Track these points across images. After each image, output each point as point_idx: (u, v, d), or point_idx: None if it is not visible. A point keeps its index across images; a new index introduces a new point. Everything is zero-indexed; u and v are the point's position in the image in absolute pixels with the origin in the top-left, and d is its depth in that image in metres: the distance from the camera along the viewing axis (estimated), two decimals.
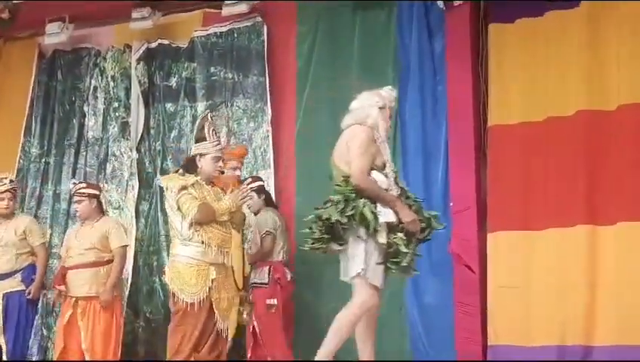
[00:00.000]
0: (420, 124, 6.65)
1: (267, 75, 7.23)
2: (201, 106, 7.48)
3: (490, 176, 6.34)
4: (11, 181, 6.64)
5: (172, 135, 7.58)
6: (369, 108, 4.78)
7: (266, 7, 7.35)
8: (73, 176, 7.71)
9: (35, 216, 7.50)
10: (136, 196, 7.47)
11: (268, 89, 7.20)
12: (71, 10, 7.62)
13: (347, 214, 4.41)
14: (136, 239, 7.26)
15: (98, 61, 7.95)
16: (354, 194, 4.46)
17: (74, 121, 7.90)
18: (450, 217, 6.36)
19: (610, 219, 5.80)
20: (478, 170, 6.37)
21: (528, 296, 6.05)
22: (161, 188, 7.35)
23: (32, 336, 7.09)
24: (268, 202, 6.49)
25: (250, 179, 6.44)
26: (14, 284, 6.31)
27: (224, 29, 7.51)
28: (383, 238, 4.43)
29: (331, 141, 6.77)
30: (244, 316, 5.88)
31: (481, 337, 6.15)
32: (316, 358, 4.40)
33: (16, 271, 6.36)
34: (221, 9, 7.29)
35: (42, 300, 7.21)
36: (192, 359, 5.06)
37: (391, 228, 4.47)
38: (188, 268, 5.02)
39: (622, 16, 5.95)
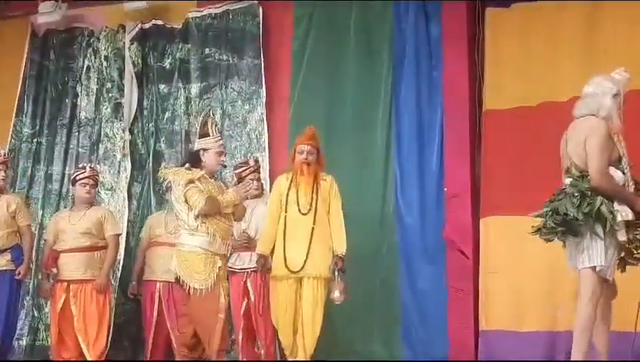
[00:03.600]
0: (415, 108, 6.66)
1: (262, 57, 7.19)
2: (195, 88, 7.45)
3: (484, 161, 6.36)
4: (5, 154, 6.63)
5: (165, 116, 7.53)
6: (602, 97, 4.61)
7: None
8: (65, 156, 7.68)
9: (27, 197, 7.47)
10: (128, 177, 7.42)
11: (263, 71, 7.16)
12: None
13: (583, 211, 4.37)
14: (128, 221, 7.23)
15: (91, 41, 7.87)
16: (590, 192, 4.41)
17: (66, 101, 7.83)
18: (445, 202, 6.37)
19: None
20: (473, 155, 6.39)
21: (520, 282, 6.08)
22: (153, 170, 7.39)
23: (23, 317, 7.12)
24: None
25: (254, 164, 6.46)
26: (4, 263, 6.29)
27: (219, 11, 7.47)
28: (622, 236, 4.40)
29: (325, 123, 6.85)
30: (335, 294, 5.77)
31: (473, 322, 6.18)
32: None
33: (5, 249, 6.33)
34: None
35: (33, 281, 7.21)
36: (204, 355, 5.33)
37: (630, 225, 4.42)
38: (195, 256, 5.20)
39: (618, 3, 5.94)
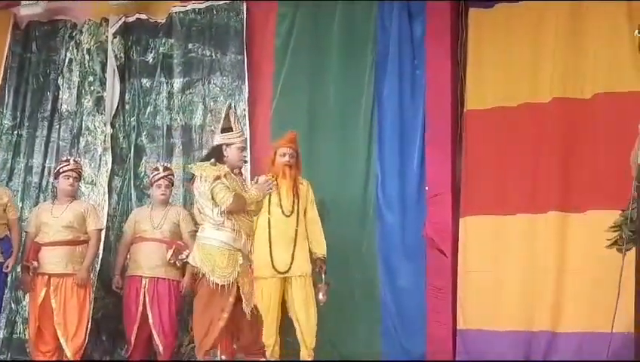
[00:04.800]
0: (398, 107, 6.67)
1: (245, 53, 7.18)
2: (177, 83, 7.41)
3: (465, 161, 6.38)
4: None
5: (147, 111, 7.51)
6: None
7: None
8: (46, 149, 7.64)
9: None
10: (109, 171, 7.39)
11: (246, 68, 7.16)
12: None
13: None
14: (108, 215, 7.21)
15: (74, 34, 7.82)
16: None
17: (48, 93, 7.78)
18: (425, 201, 6.40)
19: (581, 207, 5.87)
20: (454, 155, 6.41)
21: (497, 281, 6.11)
22: (134, 165, 7.38)
23: (2, 310, 7.09)
24: None
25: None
26: None
27: (203, 6, 7.44)
28: None
29: (307, 120, 6.86)
30: (320, 296, 5.92)
31: (451, 321, 6.21)
32: None
33: None
34: None
35: (12, 274, 7.17)
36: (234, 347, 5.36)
37: None
38: (219, 251, 5.13)
39: (599, 6, 5.98)
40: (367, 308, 6.36)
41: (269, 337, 5.72)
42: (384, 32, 6.78)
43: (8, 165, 7.69)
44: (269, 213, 5.82)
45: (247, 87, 7.13)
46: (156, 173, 6.70)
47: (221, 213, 5.10)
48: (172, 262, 6.50)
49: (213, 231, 5.16)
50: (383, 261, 6.51)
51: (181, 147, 7.35)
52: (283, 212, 5.87)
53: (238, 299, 5.18)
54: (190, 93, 7.40)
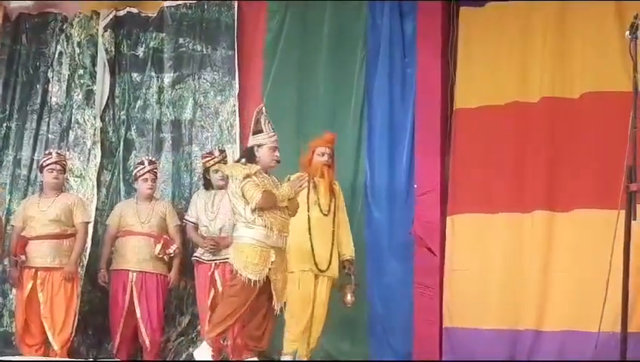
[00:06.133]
0: (388, 105, 6.67)
1: (236, 48, 7.17)
2: (167, 77, 7.41)
3: (453, 159, 6.38)
4: None
5: (137, 105, 7.49)
6: None
7: None
8: (35, 142, 7.61)
9: None
10: (98, 165, 7.37)
11: (236, 63, 7.15)
12: None
13: None
14: (96, 209, 7.19)
15: (64, 27, 7.79)
16: None
17: (37, 86, 7.75)
18: (414, 199, 6.41)
19: (567, 206, 5.88)
20: (443, 153, 6.42)
21: (483, 280, 6.12)
22: (124, 159, 7.37)
23: None
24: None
25: (219, 154, 6.58)
26: None
27: (194, 1, 7.44)
28: None
29: (296, 117, 6.86)
30: (348, 297, 5.94)
31: (439, 319, 6.23)
32: None
33: None
34: None
35: None
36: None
37: None
38: (251, 248, 5.19)
39: (588, 5, 5.98)
40: (354, 306, 6.34)
41: (300, 334, 5.77)
42: (375, 30, 6.78)
43: None
44: (308, 211, 5.84)
45: (237, 83, 7.13)
46: (141, 167, 6.69)
47: (252, 211, 5.18)
48: (160, 256, 6.51)
49: (246, 230, 5.24)
50: (370, 258, 6.51)
51: (171, 142, 7.34)
52: (321, 211, 5.90)
53: (267, 295, 5.26)
54: (180, 87, 7.40)
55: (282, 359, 5.81)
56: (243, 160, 5.40)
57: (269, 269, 5.21)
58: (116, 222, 6.68)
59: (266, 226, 5.20)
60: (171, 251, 6.52)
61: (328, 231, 5.93)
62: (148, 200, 6.67)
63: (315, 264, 5.81)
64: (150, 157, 6.92)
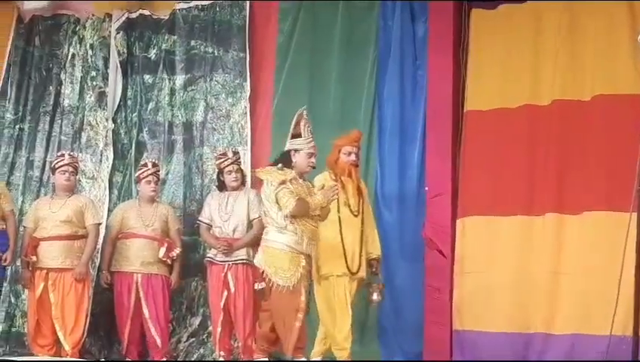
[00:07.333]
0: (399, 106, 6.68)
1: (248, 50, 7.19)
2: (179, 79, 7.44)
3: (464, 161, 6.37)
4: None
5: (149, 107, 7.52)
6: None
7: None
8: (47, 143, 7.64)
9: (7, 183, 7.42)
10: (110, 167, 7.41)
11: (248, 65, 7.17)
12: None
13: None
14: (108, 210, 7.21)
15: (77, 29, 7.83)
16: None
17: (50, 88, 7.78)
18: (425, 201, 6.40)
19: (577, 208, 5.86)
20: (454, 155, 6.40)
21: (493, 282, 6.11)
22: (135, 160, 7.39)
23: (1, 304, 7.11)
24: (242, 180, 6.58)
25: (232, 156, 6.53)
26: None
27: (206, 3, 7.46)
28: None
29: (307, 119, 6.83)
30: (375, 296, 5.91)
31: (449, 321, 6.21)
32: None
33: None
34: None
35: (11, 267, 7.18)
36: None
37: None
38: (282, 253, 5.22)
39: (600, 7, 5.97)
40: (364, 307, 6.34)
41: (346, 338, 5.70)
42: (386, 32, 6.79)
43: (10, 159, 7.68)
44: (338, 212, 5.76)
45: (248, 85, 7.15)
46: (145, 169, 6.69)
47: (285, 217, 5.19)
48: (164, 259, 6.53)
49: (277, 234, 5.25)
50: (380, 260, 6.49)
51: (182, 143, 7.36)
52: (351, 211, 5.83)
53: (293, 301, 5.22)
54: (192, 89, 7.42)
55: (312, 359, 5.77)
56: (279, 165, 5.35)
57: (301, 274, 5.21)
58: (118, 223, 6.68)
59: (297, 233, 5.21)
60: (174, 254, 6.55)
61: (357, 232, 5.84)
62: (150, 202, 6.68)
63: (347, 267, 5.73)
64: (154, 160, 6.92)
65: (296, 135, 5.40)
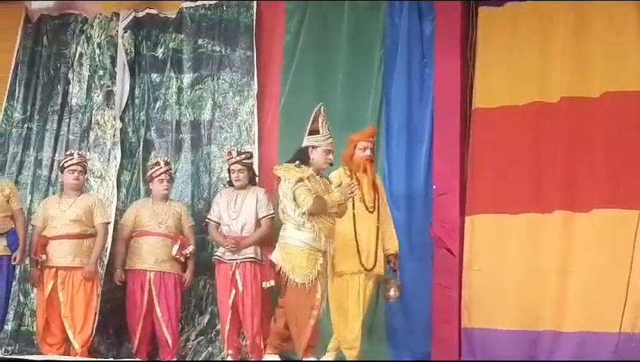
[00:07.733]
0: (406, 105, 6.68)
1: (255, 49, 7.20)
2: (187, 78, 7.45)
3: (471, 159, 6.37)
4: None
5: (157, 105, 7.54)
6: None
7: None
8: (56, 142, 7.65)
9: (16, 182, 7.44)
10: (118, 166, 7.41)
11: (255, 64, 7.17)
12: None
13: None
14: (116, 209, 7.22)
15: (84, 28, 7.85)
16: None
17: (58, 87, 7.80)
18: (433, 199, 6.40)
19: (586, 206, 5.85)
20: (462, 153, 6.40)
21: (502, 280, 6.10)
22: (143, 159, 7.41)
23: (10, 302, 7.12)
24: (251, 179, 6.57)
25: (243, 154, 6.54)
26: (1, 249, 6.33)
27: (213, 2, 7.48)
28: None
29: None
30: (391, 292, 5.91)
31: (457, 319, 6.21)
32: None
33: (1, 234, 6.34)
34: None
35: (20, 266, 7.21)
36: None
37: None
38: (299, 251, 5.21)
39: (608, 4, 5.96)
40: (373, 306, 6.35)
41: (356, 338, 5.72)
42: (393, 31, 6.79)
43: (18, 158, 7.70)
44: (353, 208, 5.75)
45: (256, 83, 7.15)
46: (157, 167, 6.72)
47: (302, 215, 5.17)
48: (177, 256, 6.54)
49: (295, 231, 5.24)
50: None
51: (190, 142, 7.38)
52: (367, 208, 5.83)
53: (309, 298, 5.20)
54: (199, 88, 7.43)
55: (322, 359, 5.75)
56: (297, 161, 5.32)
57: (318, 272, 5.20)
58: (132, 221, 6.70)
59: (314, 230, 5.20)
60: (188, 252, 6.57)
61: (373, 228, 5.83)
62: (164, 200, 6.70)
63: (362, 264, 5.73)
64: (166, 158, 6.95)
65: (314, 131, 5.37)
